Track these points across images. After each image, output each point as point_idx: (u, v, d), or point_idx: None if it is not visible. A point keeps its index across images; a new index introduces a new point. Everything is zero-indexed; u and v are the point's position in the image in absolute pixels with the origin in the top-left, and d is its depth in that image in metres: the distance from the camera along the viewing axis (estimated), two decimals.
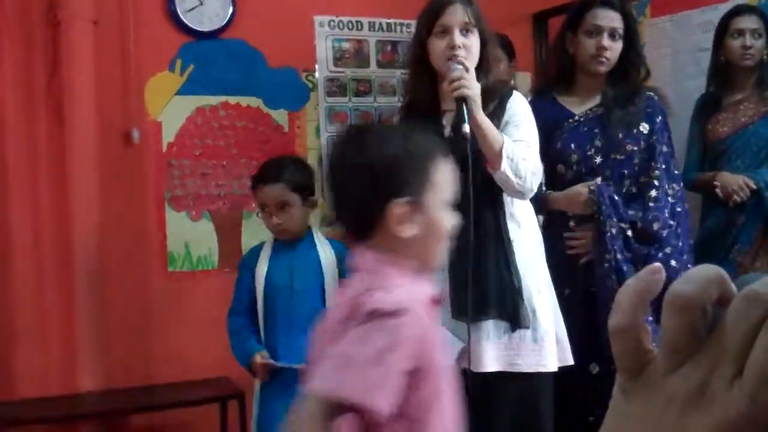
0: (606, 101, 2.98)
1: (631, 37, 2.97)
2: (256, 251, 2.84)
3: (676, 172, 3.05)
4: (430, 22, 2.56)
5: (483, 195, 2.48)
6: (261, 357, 2.66)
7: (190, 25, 3.91)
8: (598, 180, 2.94)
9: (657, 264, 0.42)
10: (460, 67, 2.43)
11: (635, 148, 2.95)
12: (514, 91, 2.62)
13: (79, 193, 3.64)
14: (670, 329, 0.39)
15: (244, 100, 4.02)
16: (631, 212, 2.91)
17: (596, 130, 2.98)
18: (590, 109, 3.03)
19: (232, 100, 4.00)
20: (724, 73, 3.44)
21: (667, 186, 2.97)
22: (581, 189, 2.93)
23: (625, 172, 2.97)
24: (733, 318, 0.38)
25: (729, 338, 0.37)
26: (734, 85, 3.42)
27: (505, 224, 2.53)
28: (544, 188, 2.95)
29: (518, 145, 2.46)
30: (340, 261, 2.73)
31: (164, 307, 3.83)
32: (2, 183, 3.59)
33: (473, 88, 2.40)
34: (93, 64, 3.69)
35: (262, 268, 2.74)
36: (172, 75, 3.91)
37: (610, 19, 2.94)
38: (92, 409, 3.56)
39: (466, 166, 2.35)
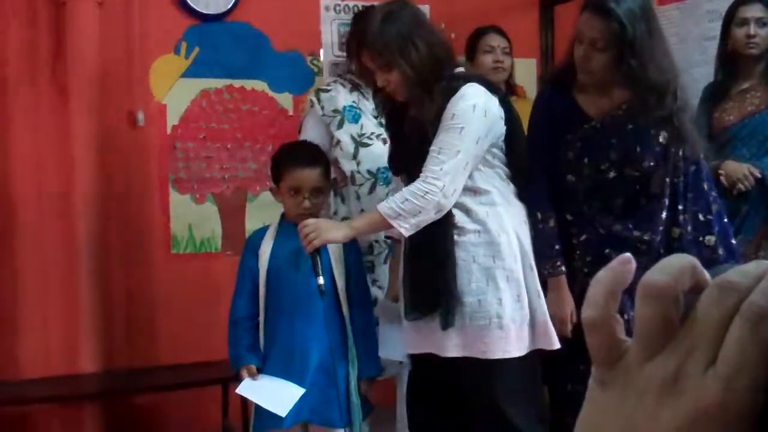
0: (629, 104, 2.65)
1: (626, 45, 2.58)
2: (260, 233, 2.84)
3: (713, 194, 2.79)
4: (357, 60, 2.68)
5: None
6: (248, 372, 2.70)
7: (196, 8, 3.91)
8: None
9: (627, 254, 0.42)
10: (311, 221, 2.52)
11: (652, 164, 2.65)
12: (461, 89, 2.50)
13: (83, 175, 3.65)
14: (643, 319, 0.39)
15: (249, 84, 4.02)
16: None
17: (613, 140, 2.66)
18: (609, 112, 2.70)
19: (237, 83, 4.00)
20: (731, 61, 3.42)
21: (691, 200, 2.70)
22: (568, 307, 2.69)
23: (638, 187, 2.68)
24: (707, 306, 0.38)
25: (702, 326, 0.37)
26: (741, 74, 3.39)
27: (451, 223, 2.55)
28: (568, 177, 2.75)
29: (409, 188, 2.49)
30: (346, 246, 2.74)
31: (167, 289, 3.85)
32: (7, 164, 3.60)
33: (324, 232, 2.48)
34: (98, 46, 3.69)
35: (266, 250, 2.75)
36: (177, 57, 3.91)
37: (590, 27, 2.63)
38: (95, 389, 3.59)
39: (410, 168, 2.49)
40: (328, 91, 3.14)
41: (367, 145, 3.07)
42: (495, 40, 3.60)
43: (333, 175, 3.01)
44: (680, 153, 2.70)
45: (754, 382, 0.36)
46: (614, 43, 2.57)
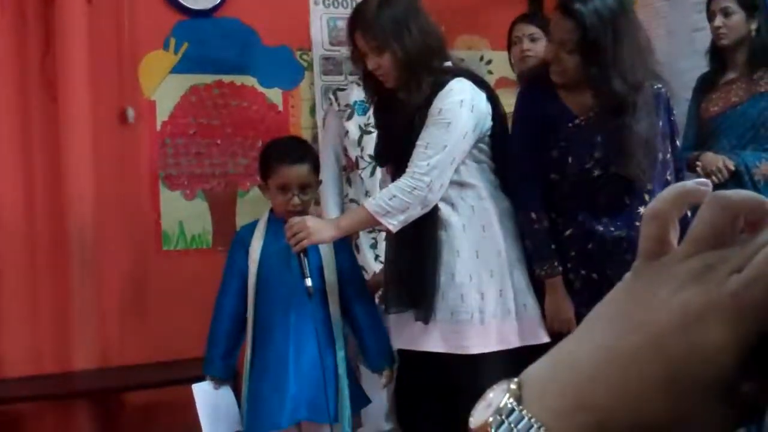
0: (602, 106, 2.59)
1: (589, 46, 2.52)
2: (249, 229, 2.83)
3: (681, 174, 2.78)
4: (353, 44, 2.66)
5: None
6: (212, 383, 2.73)
7: (184, 3, 3.90)
8: None
9: (706, 179, 0.44)
10: (297, 220, 2.51)
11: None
12: (448, 84, 2.53)
13: (74, 172, 3.64)
14: (701, 219, 0.41)
15: (239, 79, 4.01)
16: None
17: (597, 138, 2.61)
18: (593, 110, 2.63)
19: (227, 78, 3.99)
20: (718, 53, 3.44)
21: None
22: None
23: (623, 186, 2.62)
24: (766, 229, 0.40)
25: (752, 242, 0.39)
26: (728, 65, 3.42)
27: (436, 217, 2.56)
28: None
29: (396, 184, 2.51)
30: (336, 242, 2.74)
31: (158, 285, 3.84)
32: None
33: (313, 233, 2.48)
34: (87, 43, 3.68)
35: (256, 247, 2.74)
36: (166, 53, 3.90)
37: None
38: (86, 387, 3.58)
39: (397, 159, 2.53)
40: (344, 89, 3.62)
41: (371, 132, 3.28)
42: (521, 30, 3.56)
43: (343, 163, 3.49)
44: (668, 151, 2.69)
45: (766, 297, 0.37)
46: (580, 46, 2.52)
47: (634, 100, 2.53)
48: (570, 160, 2.65)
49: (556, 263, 2.64)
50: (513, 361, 2.57)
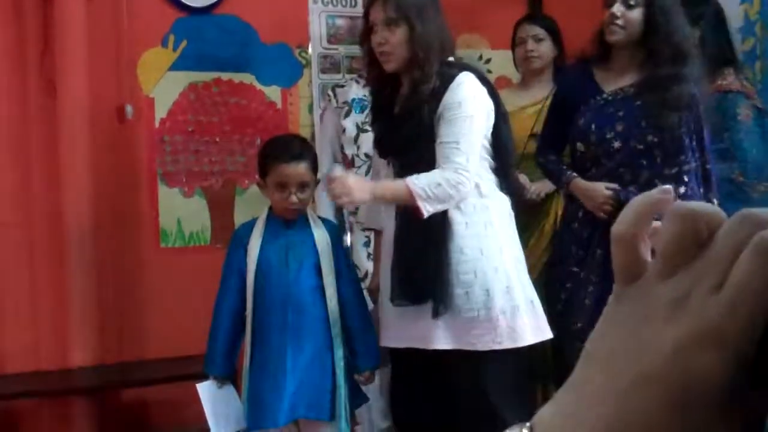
0: (640, 83, 2.83)
1: (651, 11, 2.79)
2: (247, 228, 2.83)
3: (708, 166, 2.90)
4: (365, 19, 2.66)
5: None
6: (215, 381, 2.74)
7: (183, 0, 3.89)
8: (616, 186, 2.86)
9: (668, 186, 0.44)
10: (338, 174, 2.51)
11: (656, 140, 2.79)
12: (458, 77, 2.55)
13: (72, 169, 3.63)
14: (667, 236, 0.40)
15: (237, 77, 4.01)
16: None
17: (620, 113, 2.84)
18: (621, 89, 2.88)
19: (225, 76, 3.99)
20: None
21: (696, 184, 2.82)
22: (601, 190, 2.84)
23: (644, 162, 2.82)
24: (724, 234, 0.39)
25: (717, 253, 0.39)
26: None
27: (439, 212, 2.55)
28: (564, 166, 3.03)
29: (441, 174, 2.47)
30: (334, 241, 2.75)
31: (156, 283, 3.84)
32: None
33: (353, 192, 2.45)
34: (85, 39, 3.68)
35: (255, 245, 2.74)
36: (164, 51, 3.90)
37: None
38: (84, 383, 3.58)
39: (400, 152, 2.52)
40: (342, 86, 3.62)
41: (367, 131, 3.27)
42: (525, 30, 3.57)
43: (338, 161, 3.49)
44: (692, 132, 2.83)
45: (753, 313, 0.37)
46: (645, 2, 2.79)
47: (693, 51, 2.82)
48: (593, 127, 2.88)
49: (568, 171, 2.96)
50: (517, 360, 2.59)
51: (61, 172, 3.62)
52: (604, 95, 2.89)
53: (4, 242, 3.59)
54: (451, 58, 2.66)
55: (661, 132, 2.78)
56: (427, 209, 2.45)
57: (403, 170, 2.57)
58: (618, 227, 0.42)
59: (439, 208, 2.48)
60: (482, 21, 4.34)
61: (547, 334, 2.61)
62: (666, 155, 2.80)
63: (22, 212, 3.62)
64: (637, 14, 2.81)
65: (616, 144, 2.84)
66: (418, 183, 2.45)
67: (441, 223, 2.54)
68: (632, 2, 2.81)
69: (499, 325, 2.53)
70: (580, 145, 2.93)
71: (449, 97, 2.51)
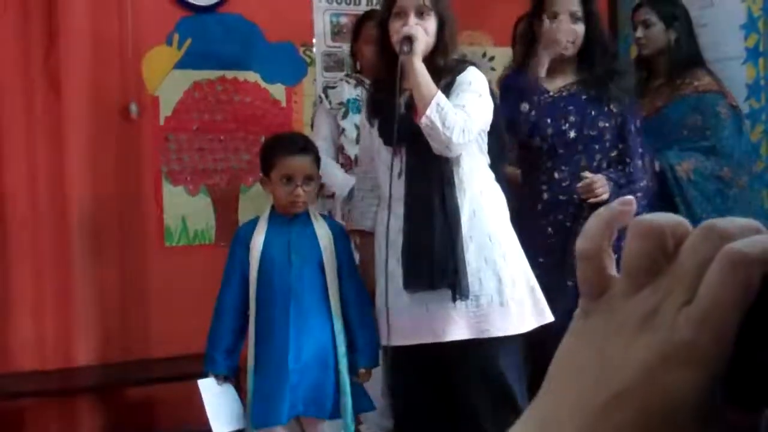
0: (582, 81, 3.09)
1: (590, 19, 3.05)
2: (250, 226, 2.83)
3: (640, 149, 3.16)
4: (389, 4, 2.67)
5: (429, 167, 2.60)
6: (216, 379, 2.73)
7: None
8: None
9: (629, 197, 0.43)
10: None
11: (606, 125, 3.06)
12: (471, 67, 2.69)
13: (76, 167, 3.64)
14: (631, 253, 0.39)
15: (242, 75, 4.01)
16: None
17: (570, 107, 3.07)
18: (564, 86, 3.11)
19: (230, 74, 3.99)
20: (643, 61, 3.61)
21: (638, 160, 3.11)
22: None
23: (596, 146, 3.07)
24: (690, 247, 0.38)
25: (683, 267, 0.38)
26: (652, 73, 3.60)
27: (452, 196, 2.60)
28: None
29: (453, 106, 2.54)
30: (336, 239, 2.75)
31: (161, 281, 3.84)
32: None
33: (420, 37, 2.53)
34: (90, 37, 3.68)
35: (258, 243, 2.74)
36: (169, 49, 3.90)
37: (568, 2, 3.03)
38: (89, 382, 3.59)
39: (414, 139, 2.54)
40: (334, 87, 3.63)
41: None
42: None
43: (340, 161, 3.51)
44: (630, 122, 3.09)
45: (724, 328, 0.36)
46: (585, 15, 3.02)
47: (614, 61, 3.15)
48: (548, 121, 3.04)
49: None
50: (522, 345, 2.66)
51: (66, 170, 3.63)
52: (550, 93, 3.09)
53: (9, 240, 3.59)
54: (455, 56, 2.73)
55: (608, 118, 3.05)
56: (428, 116, 2.49)
57: (413, 157, 2.62)
58: (582, 243, 0.42)
59: (432, 124, 2.49)
60: (486, 18, 4.33)
61: (549, 317, 2.65)
62: (613, 137, 3.07)
63: (27, 210, 3.62)
64: (581, 27, 3.04)
65: (572, 134, 3.05)
66: (444, 99, 2.53)
67: (449, 210, 2.58)
68: (578, 15, 3.03)
69: (510, 311, 2.59)
70: (537, 140, 3.06)
71: (461, 78, 2.62)
